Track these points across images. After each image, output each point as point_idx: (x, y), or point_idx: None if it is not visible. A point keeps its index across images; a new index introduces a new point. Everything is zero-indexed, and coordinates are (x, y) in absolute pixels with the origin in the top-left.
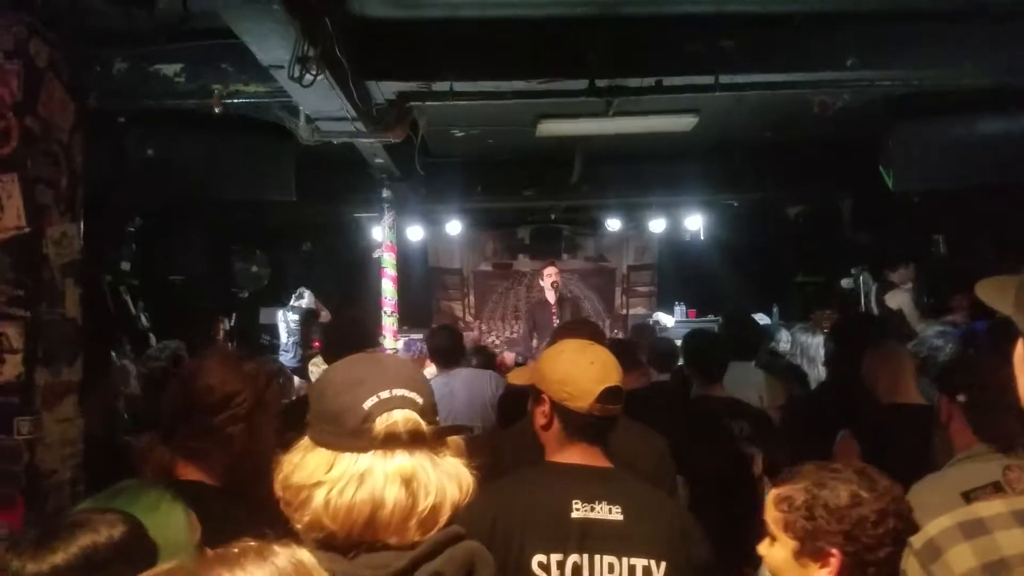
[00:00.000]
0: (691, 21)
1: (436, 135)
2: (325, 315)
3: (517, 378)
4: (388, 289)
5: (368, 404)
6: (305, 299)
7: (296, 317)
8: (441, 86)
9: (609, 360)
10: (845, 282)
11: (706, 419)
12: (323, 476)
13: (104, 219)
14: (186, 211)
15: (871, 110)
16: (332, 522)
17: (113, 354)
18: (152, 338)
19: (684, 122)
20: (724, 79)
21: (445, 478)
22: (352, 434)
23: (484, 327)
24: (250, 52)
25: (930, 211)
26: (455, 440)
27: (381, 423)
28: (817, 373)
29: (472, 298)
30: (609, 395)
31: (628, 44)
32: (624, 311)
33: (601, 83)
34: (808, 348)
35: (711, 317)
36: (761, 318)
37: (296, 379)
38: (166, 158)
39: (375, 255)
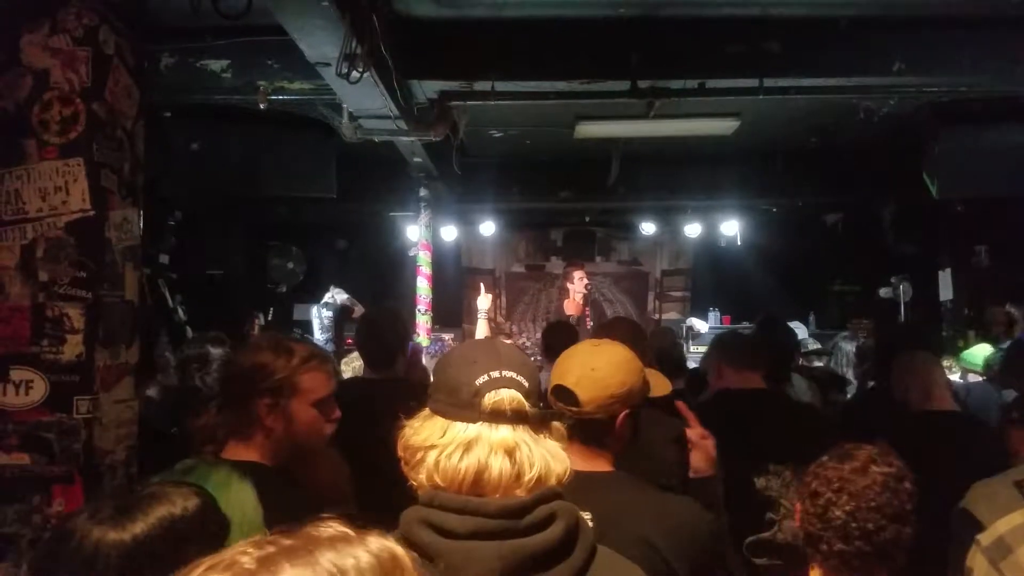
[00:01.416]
0: (735, 23)
1: (474, 135)
2: (359, 311)
3: None
4: (423, 287)
5: (480, 380)
6: (337, 297)
7: (330, 314)
8: (483, 86)
9: (588, 360)
10: (884, 291)
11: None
12: (436, 440)
13: (145, 212)
14: (224, 206)
15: (916, 116)
16: (442, 480)
17: None
18: (189, 331)
19: (725, 126)
20: (768, 82)
21: (547, 454)
22: (464, 406)
23: (515, 328)
24: (296, 49)
25: (972, 220)
26: (557, 426)
27: (490, 398)
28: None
29: (504, 299)
30: (557, 392)
31: (671, 46)
32: (657, 316)
33: (643, 84)
34: (848, 356)
35: (746, 324)
36: (797, 326)
37: None
38: (210, 153)
39: (411, 253)
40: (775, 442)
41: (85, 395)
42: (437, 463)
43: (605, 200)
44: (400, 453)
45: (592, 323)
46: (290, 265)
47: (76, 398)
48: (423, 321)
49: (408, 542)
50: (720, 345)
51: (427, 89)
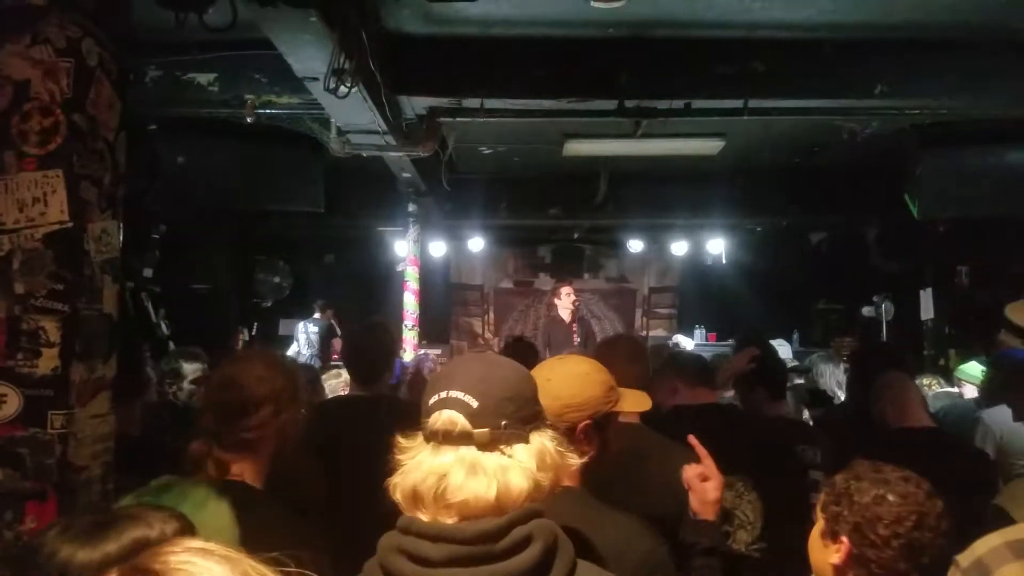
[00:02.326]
0: (721, 45)
1: (463, 151)
2: (338, 340)
3: None
4: (410, 302)
5: (432, 400)
6: (322, 313)
7: (316, 329)
8: (471, 102)
9: (546, 372)
10: (866, 310)
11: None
12: (403, 458)
13: (129, 226)
14: (210, 220)
15: (899, 138)
16: (400, 497)
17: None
18: (171, 346)
19: (711, 146)
20: (753, 103)
21: (496, 475)
22: (424, 425)
23: (503, 345)
24: (283, 63)
25: (954, 241)
26: (539, 444)
27: (434, 419)
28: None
29: (492, 315)
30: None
31: (658, 66)
32: (644, 332)
33: (630, 104)
34: (826, 375)
35: (731, 342)
36: (781, 344)
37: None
38: (196, 166)
39: (399, 268)
40: (729, 455)
41: (60, 410)
42: (400, 485)
43: (593, 217)
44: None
45: (579, 339)
46: (276, 280)
47: (51, 413)
48: (410, 336)
49: (384, 571)
50: (674, 363)
51: (416, 105)
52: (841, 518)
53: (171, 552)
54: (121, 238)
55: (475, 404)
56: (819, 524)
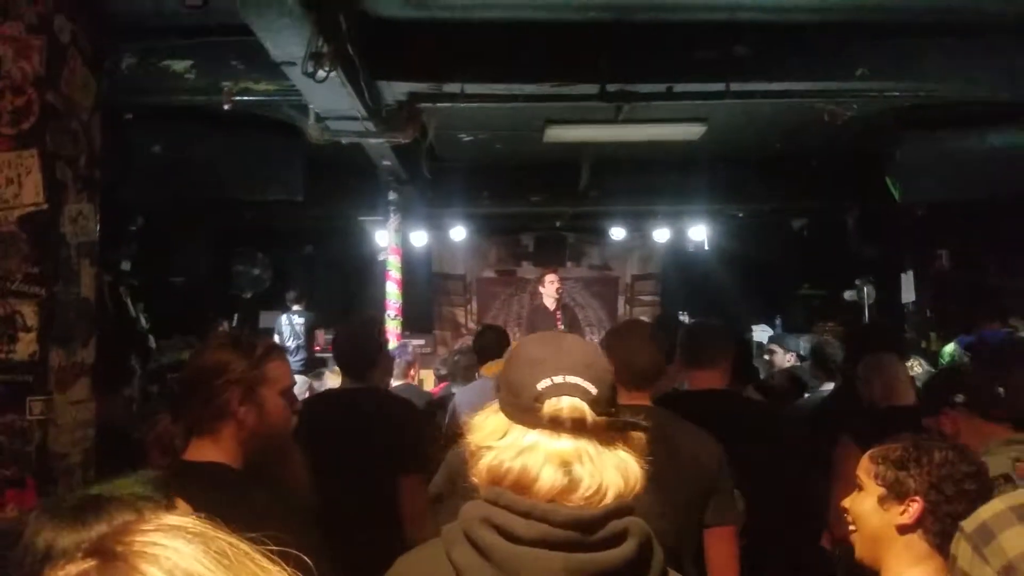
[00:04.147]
0: (703, 28)
1: (444, 139)
2: (321, 331)
3: None
4: (392, 292)
5: (542, 385)
6: (297, 304)
7: (302, 320)
8: (452, 88)
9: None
10: (848, 294)
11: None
12: (494, 441)
13: (106, 217)
14: (189, 211)
15: (879, 122)
16: (498, 484)
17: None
18: (151, 340)
19: (692, 131)
20: (735, 87)
21: (612, 467)
22: (525, 409)
23: (476, 332)
24: (261, 50)
25: (934, 224)
26: (637, 435)
27: (550, 406)
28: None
29: (475, 304)
30: None
31: (639, 50)
32: None
33: (612, 88)
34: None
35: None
36: (764, 329)
37: (301, 379)
38: (173, 156)
39: (380, 258)
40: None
41: (39, 396)
42: (490, 467)
43: (576, 205)
44: (467, 445)
45: (563, 327)
46: (256, 271)
47: (29, 399)
48: (393, 326)
49: (468, 539)
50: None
51: (396, 91)
52: (911, 480)
53: (136, 531)
54: (98, 222)
55: (594, 391)
56: (875, 492)
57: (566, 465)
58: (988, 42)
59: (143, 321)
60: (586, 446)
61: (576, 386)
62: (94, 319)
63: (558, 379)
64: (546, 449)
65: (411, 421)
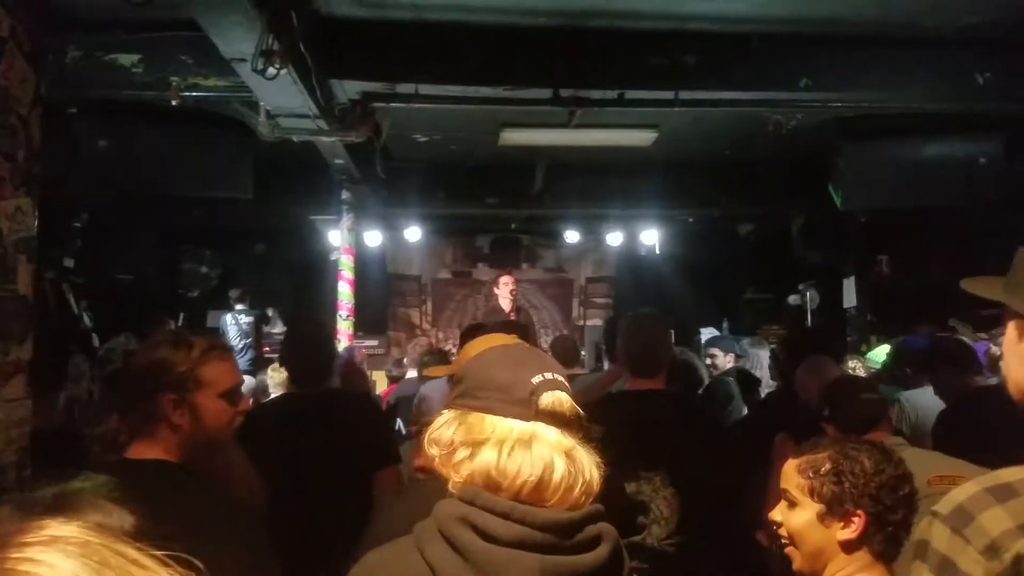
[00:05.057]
0: (654, 37)
1: (399, 139)
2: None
3: None
4: (345, 292)
5: (536, 380)
6: (241, 303)
7: (250, 319)
8: (406, 88)
9: None
10: (792, 298)
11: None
12: (488, 435)
13: (49, 213)
14: (135, 208)
15: (822, 131)
16: (501, 478)
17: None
18: (95, 338)
19: (644, 137)
20: (684, 95)
21: (591, 461)
22: (519, 403)
23: (441, 335)
24: (210, 45)
25: (875, 231)
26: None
27: (547, 398)
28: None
29: (429, 305)
30: None
31: (592, 56)
32: (581, 322)
33: (565, 93)
34: (759, 360)
35: None
36: (712, 332)
37: (249, 379)
38: (119, 151)
39: (332, 257)
40: (650, 446)
41: None
42: (498, 461)
43: (531, 207)
44: (429, 450)
45: None
46: (203, 270)
47: None
48: (345, 327)
49: (444, 538)
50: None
51: (349, 90)
52: (849, 495)
53: (12, 545)
54: (36, 218)
55: (569, 390)
56: (812, 508)
57: (569, 455)
58: (925, 55)
59: (87, 319)
60: (571, 439)
61: (562, 383)
62: (31, 316)
63: (548, 376)
64: (548, 439)
65: (375, 417)
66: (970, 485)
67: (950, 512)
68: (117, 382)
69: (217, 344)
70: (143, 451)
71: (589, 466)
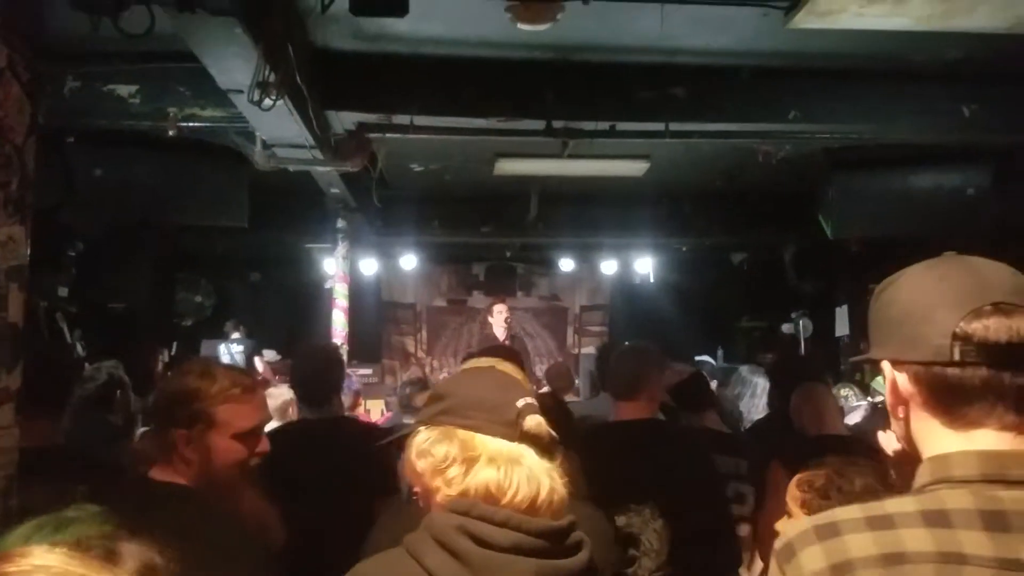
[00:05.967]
0: (644, 70)
1: (394, 168)
2: (260, 359)
3: None
4: (339, 320)
5: (520, 403)
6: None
7: (241, 348)
8: (401, 119)
9: None
10: (786, 327)
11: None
12: (480, 452)
13: (43, 242)
14: (130, 236)
15: (812, 161)
16: (500, 493)
17: None
18: (87, 367)
19: (636, 167)
20: (674, 126)
21: (561, 482)
22: (507, 424)
23: (436, 363)
24: (207, 76)
25: (867, 259)
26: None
27: (531, 420)
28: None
29: (424, 333)
30: None
31: (584, 89)
32: (576, 350)
33: (557, 124)
34: (755, 387)
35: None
36: (705, 360)
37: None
38: (116, 180)
39: (327, 285)
40: (639, 478)
41: None
42: (497, 477)
43: (525, 236)
44: (416, 467)
45: None
46: (198, 299)
47: None
48: None
49: (443, 547)
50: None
51: (345, 120)
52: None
53: None
54: (29, 246)
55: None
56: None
57: (550, 475)
58: (912, 88)
59: (80, 348)
60: (538, 460)
61: (538, 408)
62: (22, 345)
63: (529, 400)
64: (531, 460)
65: (379, 445)
66: (805, 520)
67: (780, 547)
68: (99, 401)
69: (241, 382)
70: (161, 474)
71: (561, 486)
